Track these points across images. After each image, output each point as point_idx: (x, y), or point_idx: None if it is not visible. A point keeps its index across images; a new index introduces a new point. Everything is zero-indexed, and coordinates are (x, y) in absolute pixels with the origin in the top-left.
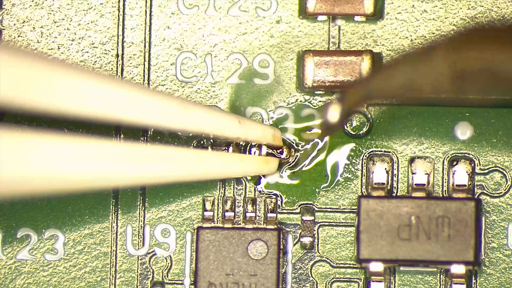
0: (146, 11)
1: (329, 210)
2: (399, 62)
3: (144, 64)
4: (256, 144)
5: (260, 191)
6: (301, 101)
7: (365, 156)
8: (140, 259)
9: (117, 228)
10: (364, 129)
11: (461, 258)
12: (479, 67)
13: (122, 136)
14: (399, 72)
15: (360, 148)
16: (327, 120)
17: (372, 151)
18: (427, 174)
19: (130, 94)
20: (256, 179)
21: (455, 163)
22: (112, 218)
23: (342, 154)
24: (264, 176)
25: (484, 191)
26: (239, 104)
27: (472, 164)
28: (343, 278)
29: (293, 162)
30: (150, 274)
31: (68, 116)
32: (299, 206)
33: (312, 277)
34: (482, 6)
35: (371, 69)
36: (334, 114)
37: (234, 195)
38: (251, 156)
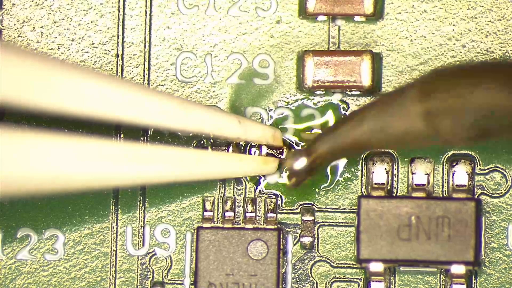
0: (146, 11)
1: (329, 210)
2: (367, 110)
3: (144, 64)
4: (256, 144)
5: (260, 191)
6: (301, 101)
7: (365, 156)
8: (140, 259)
9: (117, 228)
10: None
11: (461, 258)
12: (453, 105)
13: (122, 136)
14: (368, 119)
15: None
16: (293, 168)
17: (372, 151)
18: (427, 174)
19: (130, 94)
20: (256, 179)
21: (455, 163)
22: (112, 218)
23: None
24: (264, 176)
25: (484, 191)
26: (239, 104)
27: (472, 164)
28: (343, 278)
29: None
30: (150, 274)
31: (68, 116)
32: (299, 206)
33: (312, 277)
34: (482, 6)
35: (337, 120)
36: (300, 163)
37: (234, 195)
38: (251, 156)
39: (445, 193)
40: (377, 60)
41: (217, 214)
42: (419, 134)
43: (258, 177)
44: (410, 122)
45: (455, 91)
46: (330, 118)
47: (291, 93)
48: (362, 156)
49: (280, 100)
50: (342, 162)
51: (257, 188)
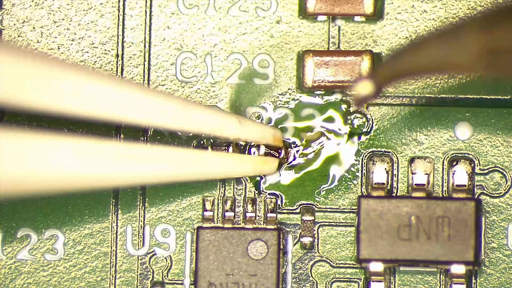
0: (146, 11)
1: (329, 210)
2: (431, 38)
3: (144, 64)
4: (255, 144)
5: (260, 191)
6: (301, 101)
7: (365, 156)
8: (140, 259)
9: (117, 228)
10: (364, 129)
11: (461, 258)
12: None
13: (122, 136)
14: (431, 49)
15: (360, 148)
16: (358, 93)
17: (372, 151)
18: (427, 174)
19: (130, 94)
20: (256, 179)
21: (455, 163)
22: (112, 218)
23: (342, 154)
24: (264, 176)
25: (484, 191)
26: (239, 104)
27: (472, 164)
28: (343, 278)
29: (292, 161)
30: (150, 274)
31: (68, 116)
32: (299, 206)
33: (312, 277)
34: (482, 6)
35: (402, 45)
36: (365, 88)
37: (234, 195)
38: (251, 156)
39: (445, 193)
40: (377, 60)
41: (217, 214)
42: (479, 69)
43: (258, 177)
44: (471, 57)
45: None
46: (330, 118)
47: (291, 93)
48: (362, 156)
49: (280, 100)
50: (342, 162)
51: (260, 188)
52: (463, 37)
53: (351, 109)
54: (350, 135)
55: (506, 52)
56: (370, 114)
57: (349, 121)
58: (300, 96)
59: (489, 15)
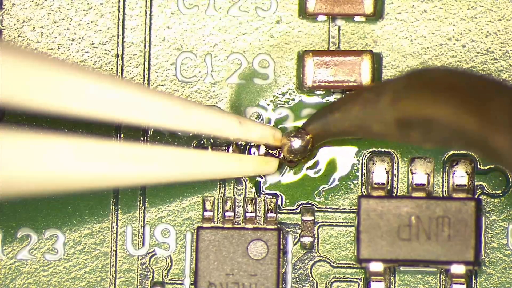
0: (146, 11)
1: (329, 210)
2: (350, 104)
3: (144, 64)
4: (255, 144)
5: (260, 191)
6: (301, 101)
7: (365, 156)
8: (140, 259)
9: (117, 228)
10: None
11: (461, 258)
12: (420, 117)
13: (122, 136)
14: (351, 111)
15: (360, 148)
16: (290, 148)
17: (372, 151)
18: (427, 174)
19: (130, 94)
20: (256, 180)
21: (455, 163)
22: (112, 218)
23: (342, 154)
24: (264, 176)
25: (484, 191)
26: (239, 104)
27: (472, 164)
28: (343, 278)
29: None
30: (150, 274)
31: (68, 116)
32: (299, 206)
33: (312, 277)
34: (482, 6)
35: (328, 105)
36: (296, 143)
37: (234, 195)
38: (251, 156)
39: (445, 193)
40: (377, 60)
41: (217, 214)
42: (393, 137)
43: (259, 177)
44: (385, 126)
45: (424, 105)
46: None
47: (291, 93)
48: (362, 156)
49: (280, 100)
50: (342, 162)
51: (260, 188)
52: (377, 104)
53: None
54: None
55: (415, 122)
56: None
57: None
58: (300, 96)
59: (400, 84)
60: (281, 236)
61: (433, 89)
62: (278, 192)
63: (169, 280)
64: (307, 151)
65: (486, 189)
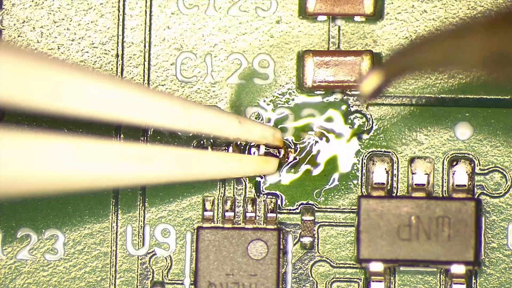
0: (146, 11)
1: (329, 210)
2: (438, 37)
3: (144, 64)
4: (255, 144)
5: (260, 191)
6: (301, 101)
7: (365, 156)
8: (140, 259)
9: (117, 228)
10: (364, 129)
11: (461, 258)
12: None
13: (122, 136)
14: (437, 45)
15: (360, 148)
16: (366, 87)
17: (372, 151)
18: (427, 174)
19: (130, 94)
20: (256, 180)
21: (455, 163)
22: (112, 218)
23: (342, 154)
24: (264, 176)
25: (484, 191)
26: (239, 104)
27: (472, 164)
28: (343, 278)
29: (292, 161)
30: (150, 274)
31: (68, 116)
32: (299, 206)
33: (312, 277)
34: (482, 6)
35: (411, 40)
36: (373, 81)
37: (234, 195)
38: (251, 156)
39: (445, 193)
40: (377, 60)
41: (217, 214)
42: (484, 71)
43: (259, 177)
44: (477, 60)
45: None
46: (330, 118)
47: (291, 93)
48: (362, 156)
49: (280, 100)
50: (342, 162)
51: (260, 188)
52: (468, 37)
53: (352, 109)
54: (350, 135)
55: (509, 58)
56: (370, 114)
57: (349, 121)
58: (300, 96)
59: (494, 17)
60: (281, 236)
61: None
62: (278, 192)
63: (169, 280)
64: (386, 86)
65: (486, 189)
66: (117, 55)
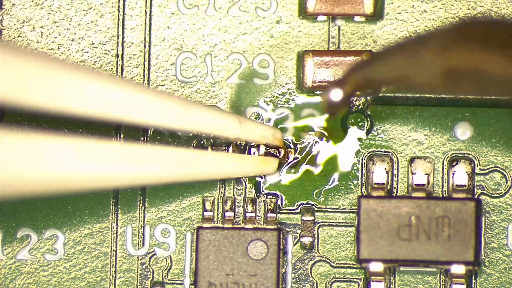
0: (146, 11)
1: (329, 210)
2: (395, 54)
3: (144, 64)
4: (255, 144)
5: (260, 191)
6: (301, 101)
7: (365, 156)
8: (140, 259)
9: (117, 228)
10: (364, 129)
11: (461, 258)
12: (470, 67)
13: (122, 136)
14: (393, 63)
15: (360, 148)
16: (331, 100)
17: (372, 151)
18: (427, 174)
19: (130, 94)
20: (256, 180)
21: (455, 163)
22: (112, 218)
23: (342, 154)
24: (264, 176)
25: (484, 191)
26: (239, 104)
27: (472, 164)
28: (343, 278)
29: (292, 161)
30: (150, 274)
31: (68, 116)
32: (299, 206)
33: (312, 277)
34: (482, 6)
35: (369, 56)
36: (336, 94)
37: (234, 195)
38: (251, 156)
39: (445, 193)
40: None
41: (217, 214)
42: (439, 88)
43: (259, 177)
44: (431, 77)
45: (476, 55)
46: (329, 118)
47: (291, 93)
48: (362, 156)
49: (280, 100)
50: (342, 162)
51: (260, 188)
52: (423, 54)
53: (352, 109)
54: (350, 135)
55: (464, 72)
56: (370, 114)
57: (349, 121)
58: (300, 96)
59: (447, 34)
60: (281, 236)
61: (484, 39)
62: (278, 192)
63: (169, 280)
64: (346, 103)
65: (486, 189)
66: (117, 55)
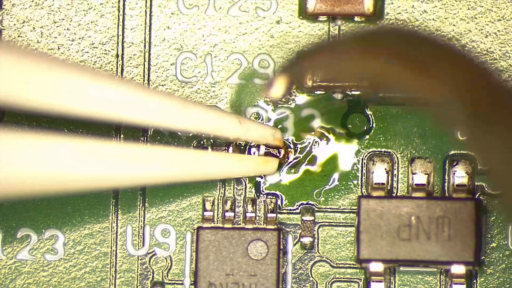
0: (146, 11)
1: (329, 210)
2: (322, 47)
3: (144, 64)
4: (255, 144)
5: (260, 191)
6: (301, 101)
7: (365, 156)
8: (140, 259)
9: (117, 228)
10: (364, 129)
11: (461, 258)
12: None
13: (122, 136)
14: (321, 56)
15: (360, 148)
16: (272, 93)
17: (372, 151)
18: (427, 174)
19: (130, 94)
20: (256, 180)
21: (455, 163)
22: (112, 218)
23: (342, 154)
24: (264, 176)
25: (484, 191)
26: (239, 104)
27: (472, 164)
28: (343, 278)
29: (292, 161)
30: (150, 274)
31: (68, 116)
32: (299, 206)
33: (312, 277)
34: (482, 6)
35: (309, 48)
36: (278, 88)
37: (234, 195)
38: (251, 156)
39: (445, 193)
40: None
41: (217, 214)
42: (361, 85)
43: (259, 177)
44: (354, 75)
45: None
46: (329, 118)
47: (291, 92)
48: (362, 156)
49: (280, 100)
50: (342, 162)
51: (260, 188)
52: (344, 54)
53: (352, 109)
54: (350, 135)
55: (380, 72)
56: (370, 114)
57: (349, 121)
58: (300, 96)
59: (365, 35)
60: (281, 236)
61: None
62: (278, 192)
63: (169, 280)
64: (288, 92)
65: (486, 189)
66: (117, 55)
